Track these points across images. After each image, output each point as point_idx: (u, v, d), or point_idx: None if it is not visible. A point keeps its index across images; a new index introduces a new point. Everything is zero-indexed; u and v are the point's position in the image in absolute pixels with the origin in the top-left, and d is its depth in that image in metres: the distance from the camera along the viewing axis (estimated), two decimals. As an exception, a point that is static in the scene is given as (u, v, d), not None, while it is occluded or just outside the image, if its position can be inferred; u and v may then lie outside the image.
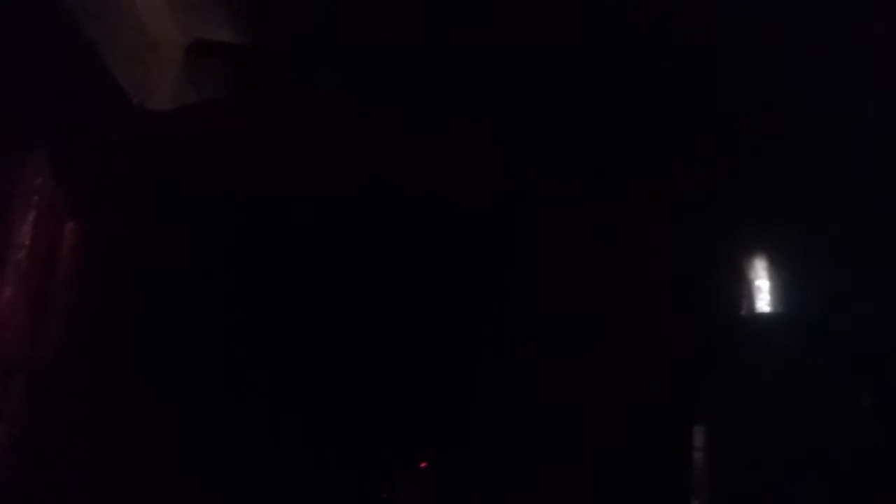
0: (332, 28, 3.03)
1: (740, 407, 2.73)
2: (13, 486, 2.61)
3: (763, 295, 2.86)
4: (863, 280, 2.71)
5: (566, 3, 2.77)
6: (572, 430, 2.76)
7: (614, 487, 2.68)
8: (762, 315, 2.87)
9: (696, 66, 2.83)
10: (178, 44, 3.14)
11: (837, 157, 2.77)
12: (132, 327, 2.92)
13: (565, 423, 2.78)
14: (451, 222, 2.93)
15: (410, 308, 2.89)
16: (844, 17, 2.69)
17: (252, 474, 2.73)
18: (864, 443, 2.62)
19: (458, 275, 2.91)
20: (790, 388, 2.69)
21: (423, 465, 2.87)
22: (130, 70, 3.01)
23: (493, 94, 2.94)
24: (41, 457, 2.68)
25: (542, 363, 2.86)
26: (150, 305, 2.94)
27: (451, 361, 2.89)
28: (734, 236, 2.92)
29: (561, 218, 2.93)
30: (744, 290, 2.88)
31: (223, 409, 2.78)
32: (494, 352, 2.87)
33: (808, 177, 2.83)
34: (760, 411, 2.69)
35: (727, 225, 2.90)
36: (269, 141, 3.03)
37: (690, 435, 2.75)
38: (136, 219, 2.99)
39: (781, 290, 2.86)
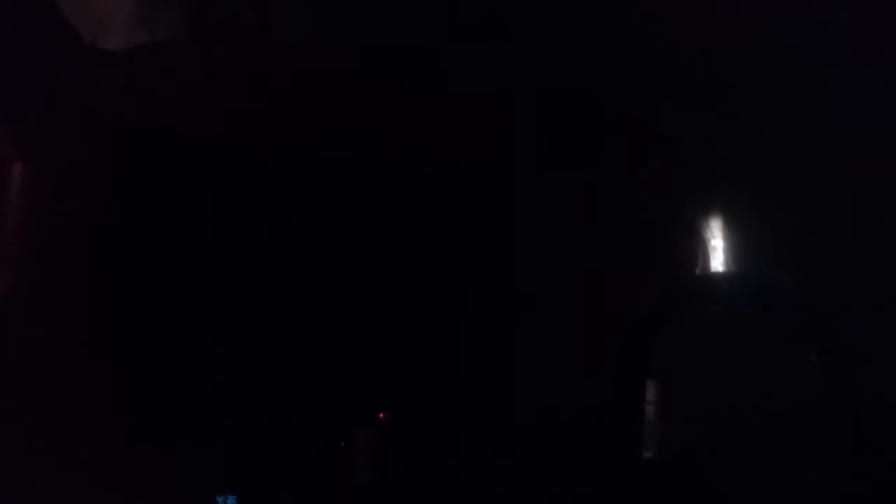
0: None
1: (690, 362, 2.79)
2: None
3: (715, 253, 2.91)
4: (811, 240, 2.77)
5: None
6: (525, 383, 2.80)
7: (566, 440, 2.74)
8: (713, 272, 2.92)
9: (657, 24, 2.82)
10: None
11: (793, 119, 2.80)
12: (80, 274, 2.88)
13: (518, 376, 2.82)
14: (407, 179, 2.92)
15: (371, 261, 2.89)
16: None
17: (215, 424, 2.74)
18: (808, 397, 2.70)
19: (416, 232, 2.91)
20: (739, 343, 2.75)
21: (380, 415, 2.90)
22: (81, 7, 2.91)
23: (456, 50, 2.90)
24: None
25: (497, 317, 2.88)
26: (98, 253, 2.89)
27: (409, 314, 2.90)
28: (688, 195, 2.95)
29: (517, 175, 2.93)
30: (696, 248, 2.92)
31: (185, 357, 2.77)
32: (451, 306, 2.89)
33: (763, 137, 2.86)
34: (710, 366, 2.75)
35: (681, 183, 2.92)
36: (223, 84, 2.95)
37: (642, 389, 2.81)
38: (85, 163, 2.91)
39: (733, 248, 2.90)
